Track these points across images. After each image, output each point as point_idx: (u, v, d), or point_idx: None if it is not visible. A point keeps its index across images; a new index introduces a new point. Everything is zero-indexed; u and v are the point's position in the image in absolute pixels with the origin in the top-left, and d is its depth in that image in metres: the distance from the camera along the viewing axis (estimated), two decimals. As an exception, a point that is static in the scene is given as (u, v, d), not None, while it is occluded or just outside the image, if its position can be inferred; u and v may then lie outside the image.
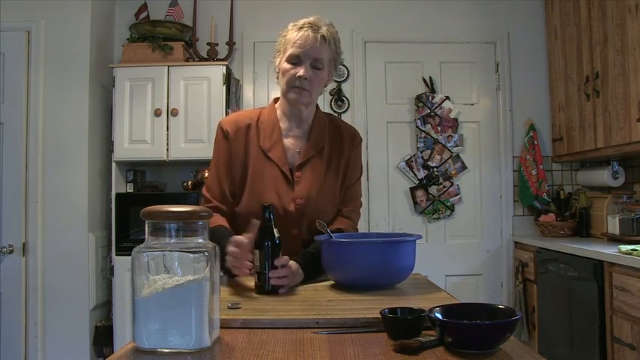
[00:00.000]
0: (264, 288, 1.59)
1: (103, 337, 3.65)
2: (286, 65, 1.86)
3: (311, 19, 1.86)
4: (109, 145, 3.80)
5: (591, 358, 2.96)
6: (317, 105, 2.01)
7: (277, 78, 1.94)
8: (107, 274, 3.79)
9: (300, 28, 1.84)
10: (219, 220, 1.84)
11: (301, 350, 1.05)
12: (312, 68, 1.84)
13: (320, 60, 1.84)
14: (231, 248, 1.60)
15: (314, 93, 1.89)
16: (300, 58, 1.83)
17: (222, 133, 1.95)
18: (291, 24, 1.88)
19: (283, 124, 1.96)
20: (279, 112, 1.98)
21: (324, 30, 1.84)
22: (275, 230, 1.62)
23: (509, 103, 4.25)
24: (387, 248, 1.60)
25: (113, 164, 3.73)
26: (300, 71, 1.83)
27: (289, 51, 1.84)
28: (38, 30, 3.60)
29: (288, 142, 1.94)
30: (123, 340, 3.53)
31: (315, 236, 1.73)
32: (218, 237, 1.62)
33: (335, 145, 1.98)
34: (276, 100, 2.02)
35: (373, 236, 1.80)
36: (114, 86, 3.72)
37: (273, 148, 1.90)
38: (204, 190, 2.00)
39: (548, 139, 4.23)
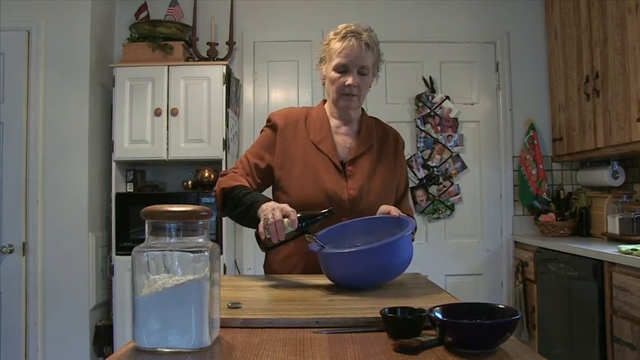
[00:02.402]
0: (266, 246, 1.67)
1: (103, 336, 3.66)
2: (334, 74, 1.94)
3: (351, 26, 1.94)
4: (109, 145, 3.80)
5: (591, 358, 2.96)
6: (362, 108, 2.10)
7: (323, 84, 2.04)
8: (107, 273, 3.79)
9: (344, 37, 1.91)
10: (241, 179, 1.91)
11: (301, 350, 1.05)
12: (359, 75, 1.93)
13: (366, 66, 1.94)
14: (288, 208, 1.65)
15: (362, 97, 1.99)
16: (347, 67, 1.92)
17: (271, 125, 2.02)
18: (332, 32, 1.96)
19: (332, 123, 2.03)
20: (328, 112, 2.05)
21: (365, 36, 1.92)
22: (315, 225, 1.68)
23: (509, 103, 4.25)
24: (382, 250, 1.59)
25: (113, 164, 3.73)
26: (349, 80, 1.91)
27: (335, 60, 1.92)
28: (38, 30, 3.60)
29: (337, 138, 2.01)
30: (123, 339, 3.53)
31: (310, 247, 1.72)
32: (249, 194, 1.80)
33: (383, 144, 2.06)
34: (324, 101, 2.10)
35: (366, 227, 1.78)
36: (114, 86, 3.72)
37: (324, 141, 1.98)
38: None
39: (548, 139, 4.23)
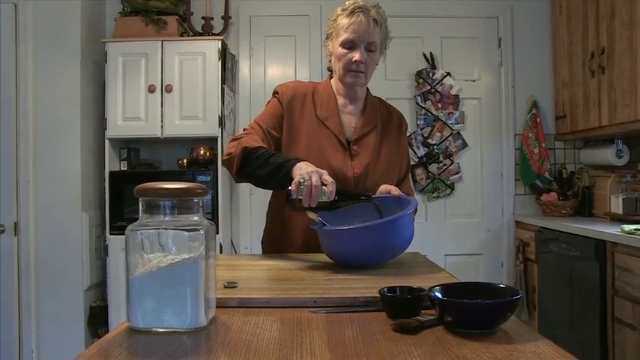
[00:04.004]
0: (294, 206, 1.62)
1: (97, 317, 3.68)
2: (341, 50, 1.94)
3: (359, 2, 1.94)
4: (101, 123, 3.79)
5: (591, 339, 2.99)
6: (367, 87, 2.09)
7: (329, 61, 2.04)
8: (101, 253, 3.80)
9: (352, 13, 1.91)
10: (260, 142, 1.87)
11: (298, 329, 1.05)
12: (367, 51, 1.93)
13: (373, 43, 1.93)
14: (328, 177, 1.61)
15: (369, 74, 2.00)
16: (354, 43, 1.92)
17: (278, 97, 2.01)
18: (340, 8, 1.96)
19: (339, 101, 2.03)
20: (334, 89, 2.05)
21: (373, 12, 1.92)
22: (346, 204, 1.66)
23: (511, 80, 4.23)
24: (384, 228, 1.60)
25: (106, 142, 3.72)
26: (356, 56, 1.91)
27: (343, 36, 1.92)
28: (25, 3, 3.55)
29: (343, 116, 2.02)
30: (118, 320, 3.55)
31: (310, 224, 1.71)
32: (277, 154, 1.77)
33: (386, 125, 2.07)
34: (330, 76, 2.09)
35: (366, 206, 1.78)
36: (106, 62, 3.69)
37: (330, 118, 1.98)
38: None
39: (551, 117, 4.22)
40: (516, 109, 4.23)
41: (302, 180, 1.59)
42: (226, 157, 1.89)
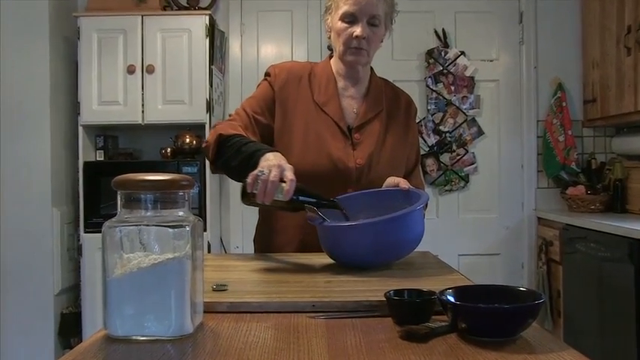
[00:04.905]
0: (249, 200, 1.61)
1: (69, 325, 3.69)
2: (341, 24, 1.91)
3: None
4: (74, 107, 3.79)
5: (625, 350, 2.99)
6: (371, 67, 2.08)
7: (329, 38, 2.01)
8: (74, 253, 3.81)
9: None
10: (240, 130, 1.86)
11: (295, 337, 1.06)
12: (369, 26, 1.90)
13: (377, 16, 1.91)
14: (290, 174, 1.58)
15: (372, 52, 1.97)
16: (355, 16, 1.89)
17: (269, 80, 2.00)
18: None
19: (339, 83, 2.03)
20: (334, 70, 2.04)
21: None
22: (309, 205, 1.64)
23: (533, 60, 4.23)
24: (391, 224, 1.60)
25: (80, 129, 3.72)
26: (357, 30, 1.89)
27: (343, 8, 1.90)
28: (-10, -27, 3.56)
29: (344, 102, 2.01)
30: (93, 328, 3.56)
31: (309, 219, 1.72)
32: (252, 143, 1.76)
33: (393, 109, 2.06)
34: (330, 55, 2.08)
35: (371, 201, 1.78)
36: (79, 39, 3.69)
37: (329, 103, 1.98)
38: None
39: (578, 101, 4.22)
40: (539, 93, 4.23)
41: (260, 173, 1.57)
42: (203, 146, 1.91)
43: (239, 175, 1.76)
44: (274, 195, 1.57)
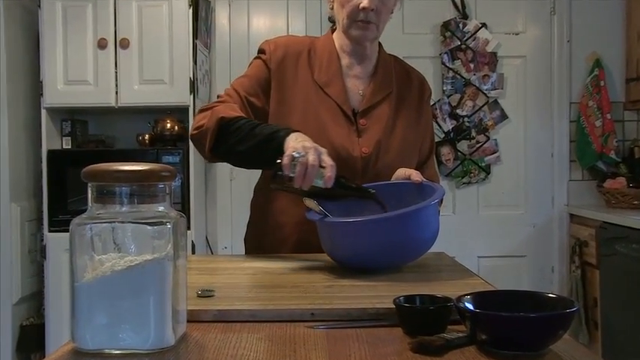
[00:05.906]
0: (282, 185, 1.64)
1: (30, 339, 3.69)
2: None
3: None
4: (36, 87, 3.78)
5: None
6: (379, 42, 2.07)
7: (331, 8, 2.02)
8: (37, 256, 3.82)
9: None
10: (239, 111, 1.87)
11: (292, 350, 1.06)
12: None
13: None
14: (328, 159, 1.61)
15: (381, 26, 1.97)
16: None
17: (264, 58, 2.00)
18: None
19: (343, 61, 2.03)
20: (337, 46, 2.04)
21: None
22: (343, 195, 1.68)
23: (567, 33, 4.23)
24: (402, 221, 1.61)
25: (43, 112, 3.72)
26: (364, 1, 1.88)
27: None
28: None
29: (348, 82, 2.01)
30: (58, 342, 3.56)
31: (308, 215, 1.73)
32: (262, 125, 1.78)
33: (404, 91, 2.07)
34: (332, 29, 2.08)
35: (383, 192, 1.79)
36: (39, 7, 3.68)
37: (332, 83, 1.98)
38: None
39: (619, 80, 4.22)
40: (572, 71, 4.23)
41: (297, 155, 1.59)
42: (195, 132, 1.89)
43: (252, 161, 1.82)
44: (313, 181, 1.59)
